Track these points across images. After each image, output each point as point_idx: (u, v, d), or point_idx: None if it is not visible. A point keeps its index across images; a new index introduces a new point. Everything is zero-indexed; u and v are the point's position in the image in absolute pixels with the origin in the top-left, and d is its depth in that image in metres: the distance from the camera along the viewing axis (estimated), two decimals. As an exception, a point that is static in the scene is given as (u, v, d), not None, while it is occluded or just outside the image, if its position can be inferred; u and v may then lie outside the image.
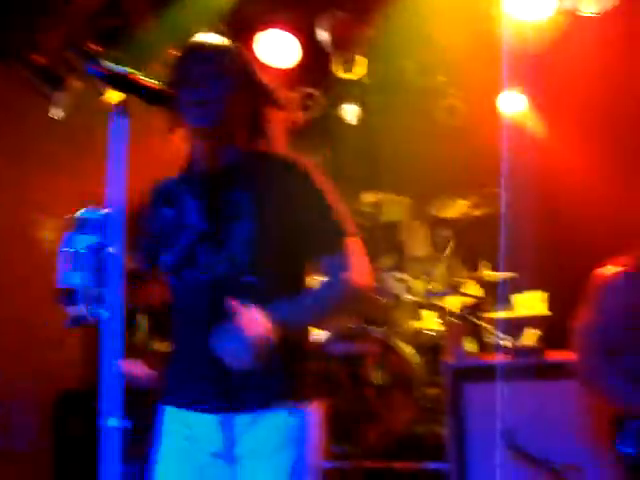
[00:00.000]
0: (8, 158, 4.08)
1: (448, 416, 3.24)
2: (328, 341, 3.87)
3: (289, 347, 1.51)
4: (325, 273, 1.62)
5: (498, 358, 3.45)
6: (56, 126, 4.03)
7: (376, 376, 3.79)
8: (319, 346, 3.84)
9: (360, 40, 4.23)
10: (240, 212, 1.57)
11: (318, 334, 3.88)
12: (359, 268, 1.59)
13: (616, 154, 4.29)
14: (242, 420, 1.54)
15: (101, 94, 1.33)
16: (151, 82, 1.39)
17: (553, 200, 4.52)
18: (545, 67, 4.22)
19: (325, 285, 1.62)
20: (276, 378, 1.54)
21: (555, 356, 3.19)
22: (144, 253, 1.70)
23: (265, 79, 1.68)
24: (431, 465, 3.51)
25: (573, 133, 4.49)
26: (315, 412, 1.60)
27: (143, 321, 5.55)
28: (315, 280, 1.69)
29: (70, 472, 3.67)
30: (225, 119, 1.58)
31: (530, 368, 3.23)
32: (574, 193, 4.34)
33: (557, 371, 2.71)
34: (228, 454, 1.56)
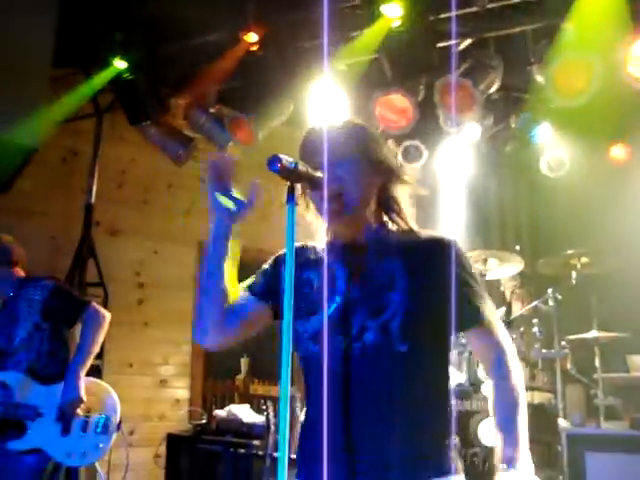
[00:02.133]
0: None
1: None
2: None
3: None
4: (479, 346, 1.65)
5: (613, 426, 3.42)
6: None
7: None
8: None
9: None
10: (393, 282, 1.57)
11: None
12: (516, 363, 1.59)
13: None
14: None
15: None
16: (315, 173, 1.46)
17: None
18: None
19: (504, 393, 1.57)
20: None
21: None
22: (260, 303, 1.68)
23: (391, 156, 1.71)
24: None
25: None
26: None
27: (245, 364, 5.30)
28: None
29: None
30: (359, 204, 1.62)
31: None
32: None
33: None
34: None
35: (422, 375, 1.53)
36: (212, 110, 4.62)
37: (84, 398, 3.02)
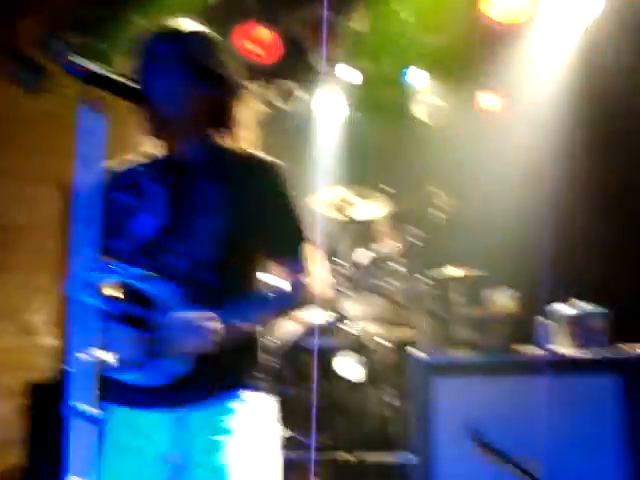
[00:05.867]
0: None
1: (415, 409, 3.25)
2: (303, 335, 3.75)
3: (241, 342, 1.49)
4: (286, 274, 1.58)
5: (466, 354, 3.55)
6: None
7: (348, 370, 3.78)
8: (294, 340, 3.72)
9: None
10: (206, 206, 1.50)
11: (294, 329, 3.76)
12: (323, 278, 1.61)
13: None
14: (194, 418, 1.46)
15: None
16: (126, 80, 1.35)
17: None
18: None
19: (288, 291, 1.58)
20: (227, 372, 1.49)
21: (521, 352, 3.32)
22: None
23: (235, 71, 1.61)
24: (398, 458, 3.51)
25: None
26: (267, 404, 1.56)
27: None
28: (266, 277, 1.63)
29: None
30: (189, 109, 1.53)
31: (497, 364, 3.31)
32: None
33: (523, 367, 3.07)
34: (178, 454, 1.46)
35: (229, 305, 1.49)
36: (66, 37, 4.27)
37: None
